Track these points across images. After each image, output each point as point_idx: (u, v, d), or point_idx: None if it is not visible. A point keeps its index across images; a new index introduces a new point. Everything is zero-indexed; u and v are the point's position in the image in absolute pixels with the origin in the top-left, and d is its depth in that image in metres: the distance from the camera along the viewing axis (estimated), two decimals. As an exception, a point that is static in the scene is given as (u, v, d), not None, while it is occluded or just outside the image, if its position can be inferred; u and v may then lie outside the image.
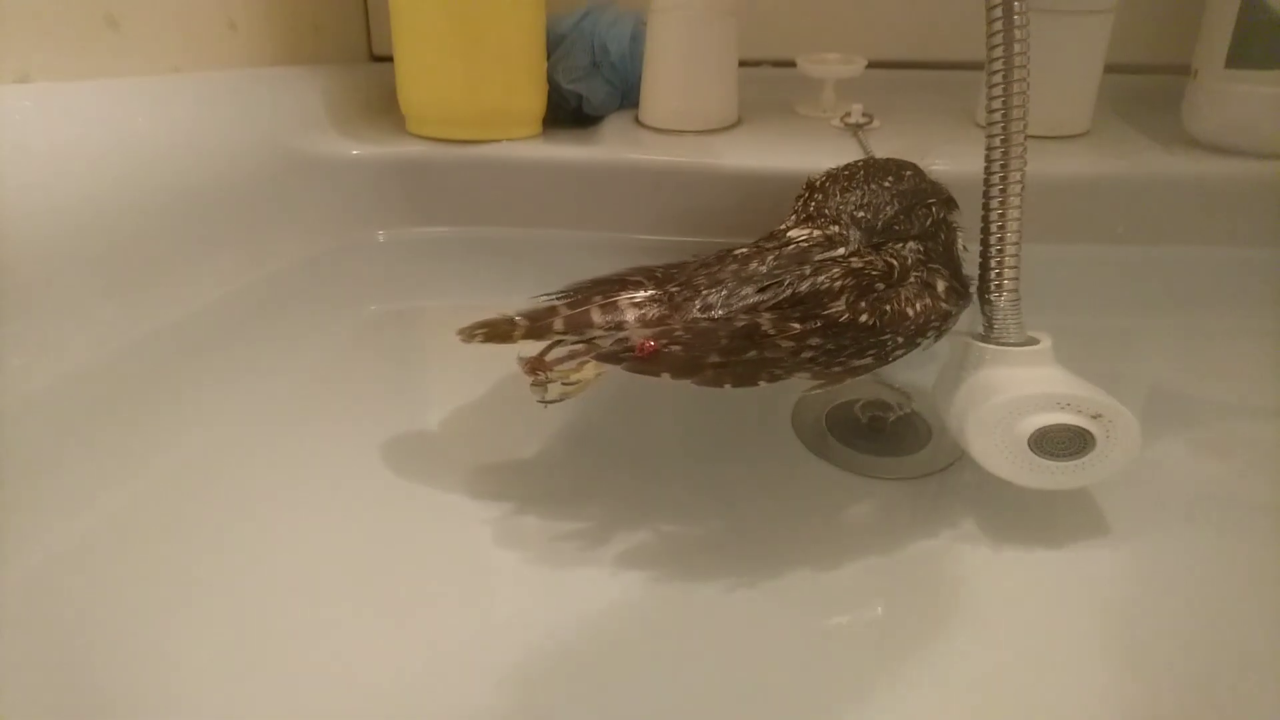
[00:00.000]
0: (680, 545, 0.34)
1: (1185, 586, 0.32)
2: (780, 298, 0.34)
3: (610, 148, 0.58)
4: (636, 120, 0.62)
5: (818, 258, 0.35)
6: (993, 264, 0.36)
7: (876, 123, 0.60)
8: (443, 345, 0.51)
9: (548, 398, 0.34)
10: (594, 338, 0.33)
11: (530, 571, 0.33)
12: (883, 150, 0.54)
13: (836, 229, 0.37)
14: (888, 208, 0.38)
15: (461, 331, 0.34)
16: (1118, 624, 0.31)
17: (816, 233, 0.37)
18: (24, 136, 0.42)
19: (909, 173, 0.40)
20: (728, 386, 0.32)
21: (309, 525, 0.35)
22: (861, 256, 0.36)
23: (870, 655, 0.29)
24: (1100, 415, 0.32)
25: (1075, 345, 0.48)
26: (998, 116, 0.37)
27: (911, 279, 0.36)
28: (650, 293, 0.34)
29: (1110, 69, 0.56)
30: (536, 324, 0.33)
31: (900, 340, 0.34)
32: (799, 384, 0.34)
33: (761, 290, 0.34)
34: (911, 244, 0.37)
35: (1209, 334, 0.49)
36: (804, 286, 0.34)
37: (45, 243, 0.41)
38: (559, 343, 0.33)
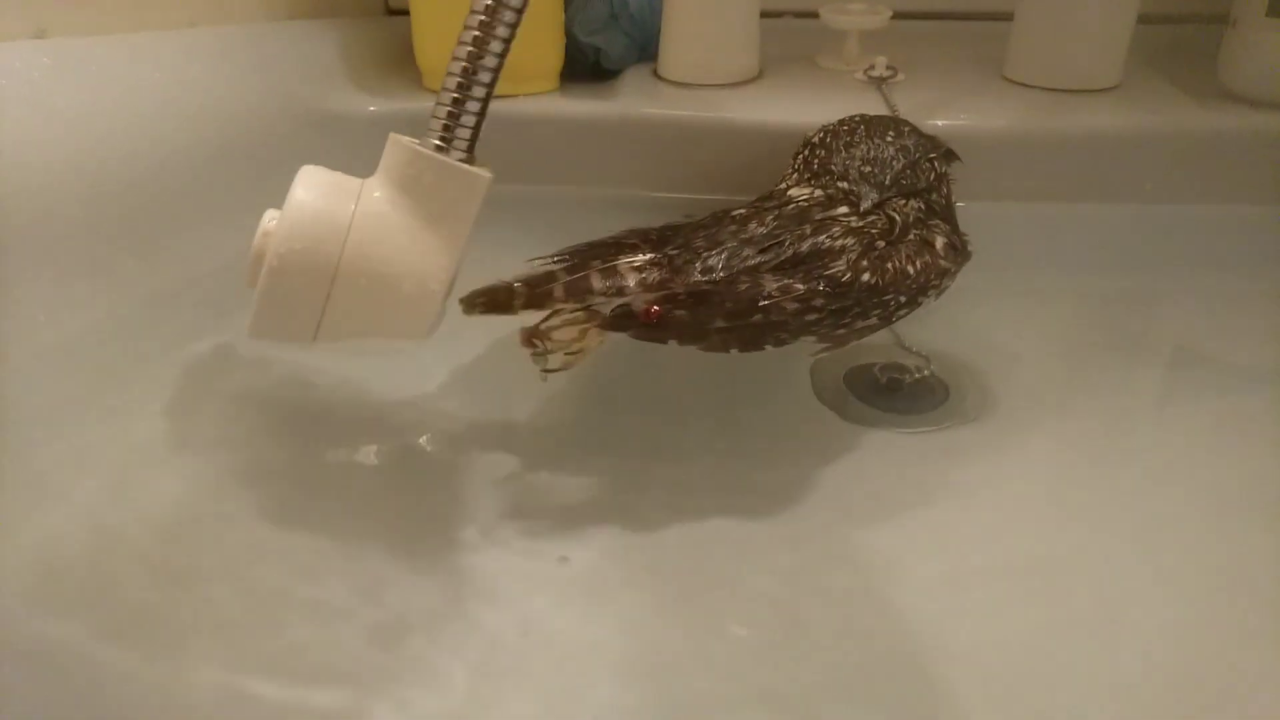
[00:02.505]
0: (697, 501, 0.34)
1: (1201, 548, 0.32)
2: (782, 258, 0.33)
3: (628, 102, 0.57)
4: (655, 74, 0.61)
5: (818, 216, 0.35)
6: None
7: (901, 76, 0.58)
8: (455, 300, 0.51)
9: (549, 367, 0.34)
10: (595, 304, 0.32)
11: (532, 538, 0.33)
12: (906, 103, 0.53)
13: (845, 185, 0.37)
14: (894, 162, 0.37)
15: (463, 301, 0.33)
16: (1131, 582, 0.31)
17: (818, 192, 0.37)
18: (41, 92, 0.42)
19: (906, 128, 0.40)
20: (734, 351, 0.32)
21: (319, 489, 0.35)
22: (862, 215, 0.35)
23: (885, 606, 0.30)
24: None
25: (1099, 305, 0.48)
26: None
27: (911, 236, 0.35)
28: (649, 256, 0.34)
29: (1143, 19, 0.54)
30: (536, 291, 0.33)
31: (903, 299, 0.34)
32: (807, 347, 0.34)
33: (762, 251, 0.34)
34: (914, 200, 0.36)
35: (1238, 297, 0.48)
36: (805, 246, 0.34)
37: (64, 198, 0.42)
38: (558, 311, 0.33)
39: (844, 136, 0.39)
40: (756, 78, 0.60)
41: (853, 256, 0.33)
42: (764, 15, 0.59)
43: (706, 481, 0.35)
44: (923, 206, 0.37)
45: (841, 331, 0.34)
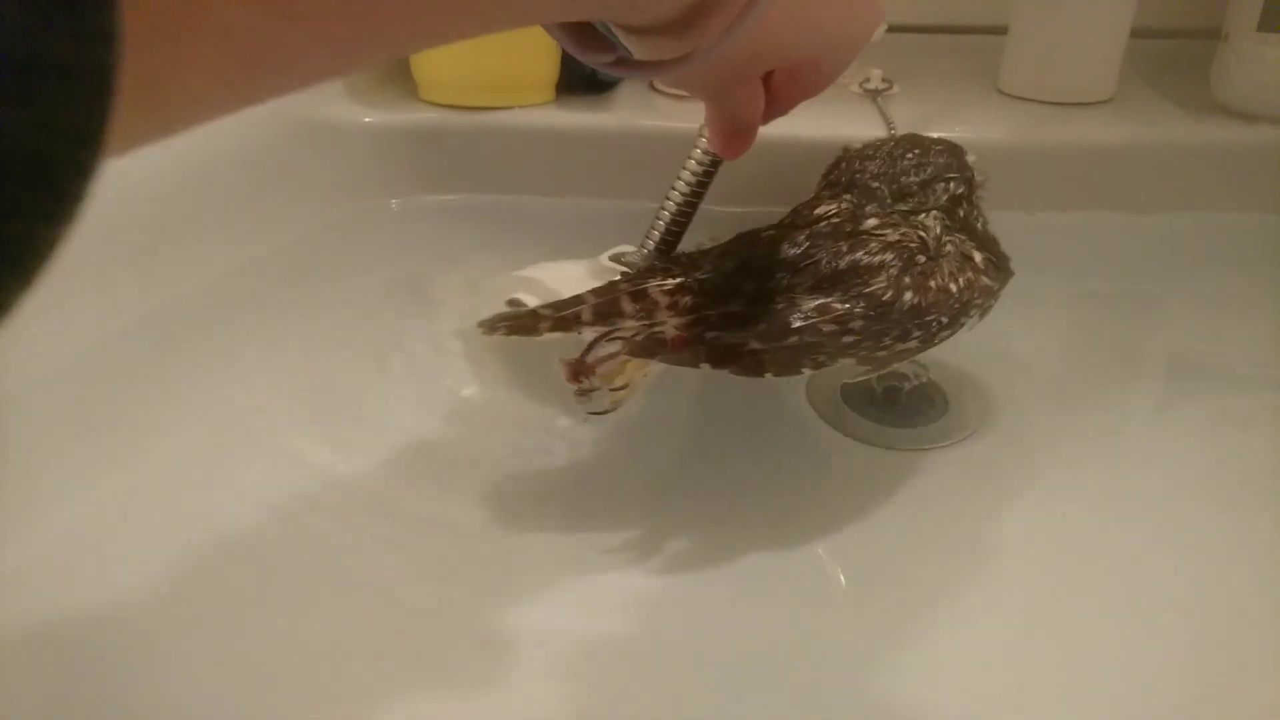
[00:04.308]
0: (689, 514, 0.34)
1: (1202, 554, 0.32)
2: (818, 277, 0.32)
3: (624, 114, 0.57)
4: (651, 86, 0.61)
5: (848, 230, 0.34)
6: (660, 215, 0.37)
7: (896, 89, 0.58)
8: (457, 313, 0.51)
9: (594, 409, 0.32)
10: (624, 330, 0.31)
11: (536, 540, 0.33)
12: (901, 116, 0.53)
13: (849, 197, 0.36)
14: (903, 177, 0.36)
15: (483, 324, 0.32)
16: (1132, 592, 0.30)
17: (845, 205, 0.36)
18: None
19: (939, 148, 0.39)
20: (769, 375, 0.31)
21: (325, 498, 0.35)
22: (897, 228, 0.34)
23: (883, 622, 0.29)
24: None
25: (1096, 313, 0.48)
26: None
27: (948, 249, 0.34)
28: (679, 280, 0.33)
29: (1136, 33, 0.55)
30: (562, 315, 0.31)
31: (945, 320, 0.32)
32: (844, 368, 0.33)
33: (796, 272, 0.32)
34: (934, 213, 0.36)
35: (1233, 303, 0.49)
36: (842, 263, 0.32)
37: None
38: (599, 340, 0.31)
39: (867, 151, 0.38)
40: (752, 90, 0.60)
41: (893, 273, 0.32)
42: (759, 28, 0.59)
43: (702, 512, 0.34)
44: (944, 221, 0.35)
45: (881, 354, 0.32)
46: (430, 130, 0.58)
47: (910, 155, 0.37)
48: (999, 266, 0.35)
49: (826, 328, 0.31)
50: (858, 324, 0.31)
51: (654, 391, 0.42)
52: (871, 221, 0.34)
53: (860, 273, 0.32)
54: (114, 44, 0.10)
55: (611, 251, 0.39)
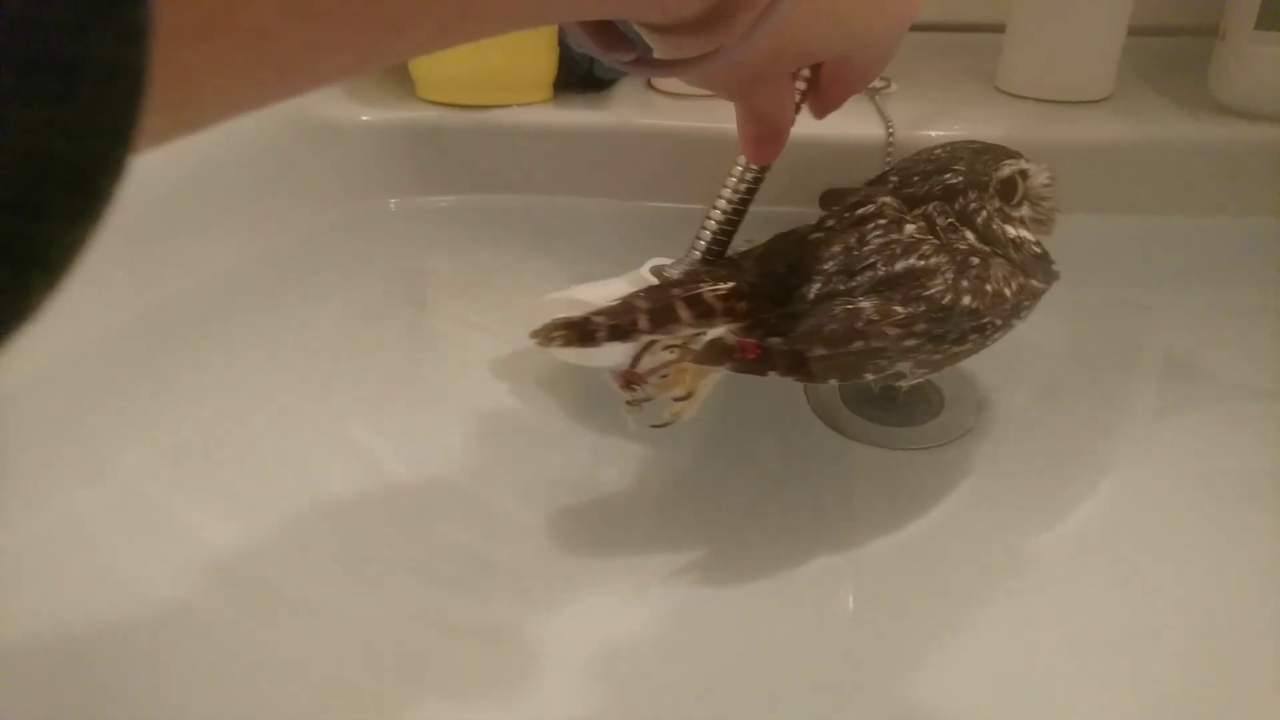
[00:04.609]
0: (689, 519, 0.34)
1: (1199, 556, 0.32)
2: (875, 280, 0.32)
3: (622, 112, 0.57)
4: (649, 84, 0.61)
5: (893, 236, 0.33)
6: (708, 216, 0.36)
7: (894, 87, 0.58)
8: (455, 313, 0.51)
9: (659, 421, 0.31)
10: (684, 336, 0.30)
11: (544, 539, 0.33)
12: (900, 114, 0.53)
13: (885, 197, 0.36)
14: (914, 171, 0.36)
15: (537, 334, 0.31)
16: (1130, 593, 0.31)
17: (887, 207, 0.35)
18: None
19: (974, 147, 0.38)
20: (834, 382, 0.30)
21: (321, 497, 0.35)
22: (942, 234, 0.33)
23: (882, 625, 0.30)
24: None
25: (1092, 316, 0.48)
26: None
27: (999, 254, 0.33)
28: (731, 285, 0.32)
29: (1134, 31, 0.55)
30: (618, 323, 0.30)
31: (999, 323, 0.32)
32: (904, 374, 0.32)
33: (852, 275, 0.32)
34: (934, 204, 0.35)
35: (1231, 303, 0.49)
36: (898, 267, 0.32)
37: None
38: (649, 348, 0.31)
39: (916, 155, 0.38)
40: (750, 88, 0.60)
41: (949, 276, 0.32)
42: (757, 26, 0.59)
43: (703, 515, 0.34)
44: (945, 211, 0.35)
45: (938, 357, 0.32)
46: (428, 128, 0.58)
47: (938, 151, 0.37)
48: (1046, 271, 0.35)
49: (891, 331, 0.30)
50: (920, 327, 0.31)
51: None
52: (910, 227, 0.33)
53: (917, 276, 0.32)
54: (147, 42, 0.10)
55: (651, 264, 0.39)
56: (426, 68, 0.58)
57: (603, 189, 0.57)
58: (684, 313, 0.30)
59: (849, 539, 0.33)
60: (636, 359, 0.31)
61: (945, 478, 0.36)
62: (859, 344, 0.30)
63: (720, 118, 0.55)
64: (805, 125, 0.53)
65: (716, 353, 0.30)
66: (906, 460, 0.37)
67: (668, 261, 0.38)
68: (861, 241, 0.33)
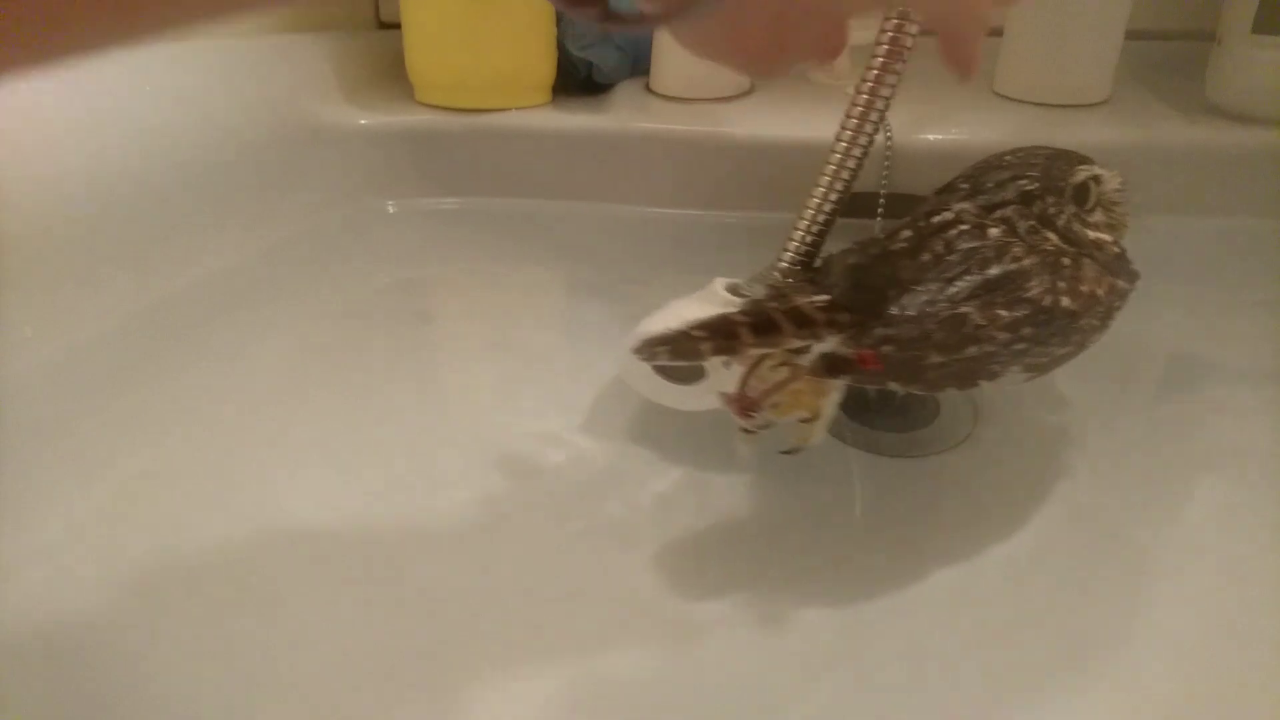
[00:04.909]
0: (680, 520, 0.34)
1: (1202, 544, 0.32)
2: (973, 286, 0.31)
3: (620, 116, 0.57)
4: (647, 88, 0.61)
5: (980, 242, 0.32)
6: (795, 228, 0.36)
7: (891, 91, 0.58)
8: (453, 316, 0.51)
9: (786, 448, 0.30)
10: (792, 350, 0.29)
11: (541, 545, 0.33)
12: (898, 118, 0.53)
13: (941, 199, 0.35)
14: (986, 177, 0.36)
15: (639, 350, 0.29)
16: (1136, 583, 0.31)
17: (966, 211, 0.34)
18: (32, 106, 0.42)
19: (1045, 152, 0.37)
20: (950, 390, 0.30)
21: (317, 497, 0.35)
22: (1025, 238, 0.33)
23: (878, 632, 0.30)
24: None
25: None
26: (862, 99, 0.35)
27: (1085, 255, 0.33)
28: (828, 296, 0.31)
29: (1131, 35, 0.55)
30: (721, 338, 0.29)
31: (1095, 323, 0.32)
32: (1011, 380, 0.32)
33: (949, 281, 0.31)
34: (1012, 207, 0.34)
35: (1229, 310, 0.49)
36: (993, 270, 0.31)
37: (53, 213, 0.41)
38: (756, 366, 0.30)
39: (983, 162, 0.37)
40: (748, 92, 0.60)
41: (1045, 278, 0.31)
42: (755, 30, 0.59)
43: (704, 522, 0.34)
44: (1024, 214, 0.34)
45: (1044, 360, 0.32)
46: (426, 132, 0.58)
47: (1008, 158, 0.37)
48: (1129, 272, 0.35)
49: (1001, 336, 0.30)
50: (1026, 330, 0.30)
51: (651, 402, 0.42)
52: (995, 231, 0.33)
53: (1013, 279, 0.31)
54: None
55: (725, 283, 0.37)
56: (425, 71, 0.58)
57: (601, 193, 0.58)
58: (786, 325, 0.29)
59: (846, 544, 0.33)
60: (744, 382, 0.30)
61: (941, 484, 0.36)
62: (973, 349, 0.30)
63: (719, 121, 0.56)
64: (802, 128, 0.54)
65: (834, 366, 0.29)
66: (902, 468, 0.37)
67: (739, 281, 0.37)
68: (949, 249, 0.32)
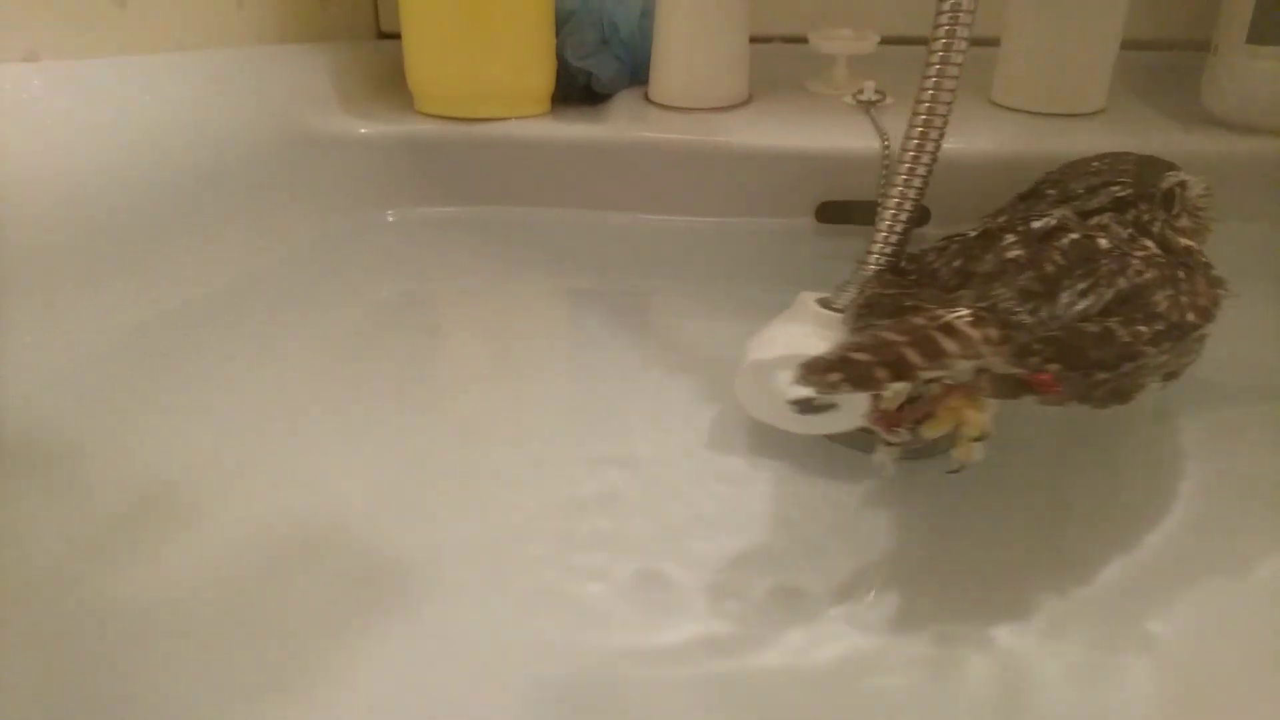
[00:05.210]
0: (679, 522, 0.34)
1: (1200, 559, 0.32)
2: (1104, 301, 0.31)
3: (619, 126, 0.57)
4: (646, 98, 0.61)
5: (1090, 256, 0.32)
6: (876, 235, 0.36)
7: (889, 100, 0.59)
8: (455, 327, 0.51)
9: (955, 467, 0.30)
10: (948, 374, 0.29)
11: (543, 545, 0.33)
12: (895, 127, 0.53)
13: (1030, 205, 0.35)
14: (1077, 184, 0.36)
15: (812, 379, 0.28)
16: (1131, 600, 0.31)
17: (1068, 219, 0.34)
18: (32, 116, 0.42)
19: (1131, 158, 0.38)
20: (1114, 407, 0.30)
21: (319, 509, 0.35)
22: (1129, 247, 0.33)
23: (872, 636, 0.29)
24: None
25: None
26: (927, 94, 0.35)
27: (1186, 264, 0.33)
28: (968, 311, 0.30)
29: (1127, 45, 0.55)
30: (893, 363, 0.28)
31: (1207, 332, 0.32)
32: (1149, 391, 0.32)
33: (1082, 295, 0.31)
34: (1108, 214, 0.35)
35: (1224, 312, 0.49)
36: (1122, 284, 0.31)
37: (53, 223, 0.41)
38: (928, 383, 0.29)
39: (1065, 167, 0.38)
40: (746, 102, 0.61)
41: (1169, 292, 0.31)
42: (753, 40, 0.59)
43: (703, 531, 0.34)
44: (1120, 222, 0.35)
45: (1178, 370, 0.32)
46: (426, 142, 0.58)
47: (1095, 164, 0.37)
48: (1221, 281, 0.35)
49: (1149, 350, 0.30)
50: (1166, 344, 0.30)
51: (648, 385, 0.42)
52: (1103, 242, 0.33)
53: (1141, 294, 0.31)
54: None
55: (815, 297, 0.37)
56: (425, 81, 0.59)
57: (600, 202, 0.58)
58: (950, 346, 0.28)
59: (826, 545, 0.33)
60: (903, 404, 0.29)
61: (935, 487, 0.36)
62: (1128, 365, 0.30)
63: (717, 131, 0.56)
64: (801, 138, 0.54)
65: (1011, 387, 0.29)
66: (905, 470, 0.37)
67: (825, 294, 0.37)
68: (1067, 259, 0.32)
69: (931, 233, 0.53)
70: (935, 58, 0.36)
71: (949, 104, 0.37)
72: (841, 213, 0.55)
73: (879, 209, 0.37)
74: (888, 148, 0.53)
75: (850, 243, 0.55)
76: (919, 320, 0.29)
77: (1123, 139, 0.53)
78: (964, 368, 0.28)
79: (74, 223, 0.42)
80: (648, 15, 0.60)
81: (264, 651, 0.29)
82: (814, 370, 0.27)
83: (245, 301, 0.49)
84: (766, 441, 0.38)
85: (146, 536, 0.33)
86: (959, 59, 0.36)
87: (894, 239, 0.37)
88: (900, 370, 0.27)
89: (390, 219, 0.59)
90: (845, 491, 0.36)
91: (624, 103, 0.61)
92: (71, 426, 0.38)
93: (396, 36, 0.59)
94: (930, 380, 0.28)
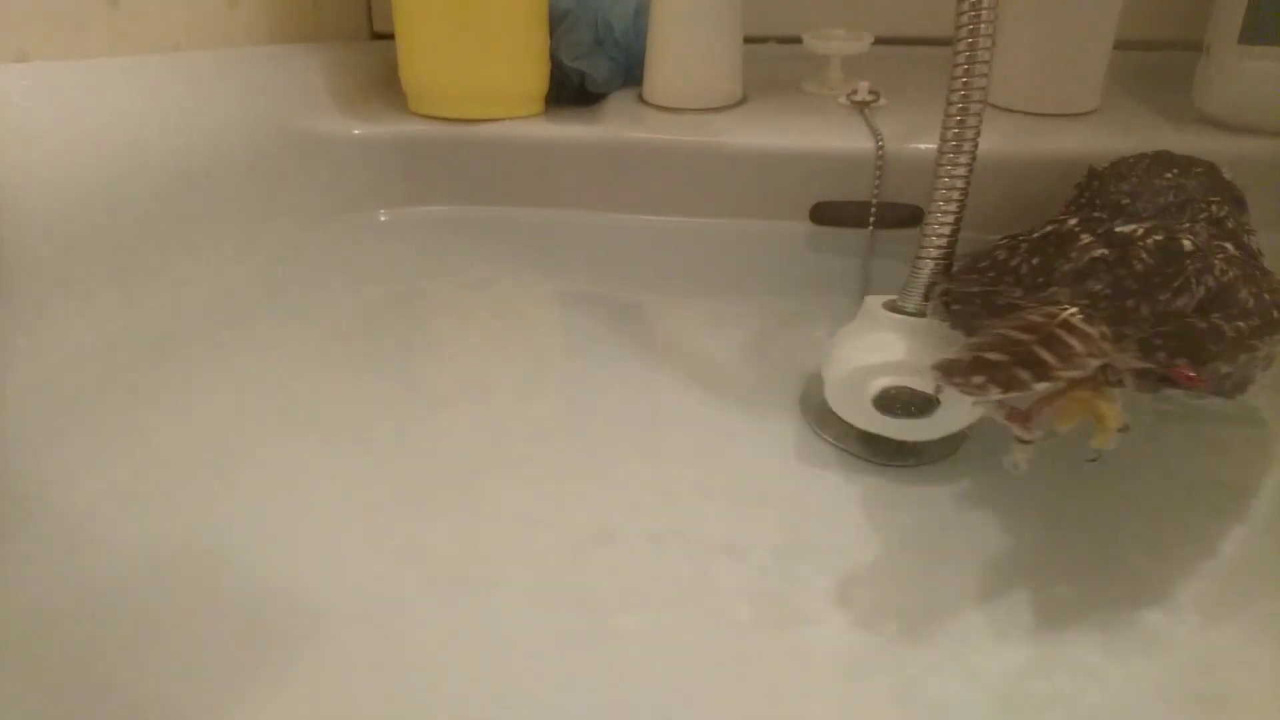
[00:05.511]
0: (679, 520, 0.34)
1: (1190, 568, 0.32)
2: (1196, 299, 0.31)
3: (613, 126, 0.57)
4: (640, 98, 0.61)
5: (1175, 256, 0.33)
6: (924, 237, 0.36)
7: (883, 100, 0.59)
8: (445, 323, 0.51)
9: (1093, 456, 0.30)
10: (1080, 367, 0.29)
11: (532, 557, 0.33)
12: (889, 127, 0.54)
13: (1101, 216, 0.35)
14: (1159, 197, 0.36)
15: (956, 383, 0.29)
16: (1124, 608, 0.31)
17: (1153, 222, 0.35)
18: (22, 116, 0.42)
19: (1198, 169, 0.38)
20: (1237, 397, 0.30)
21: (305, 509, 0.35)
22: (1211, 242, 0.33)
23: (869, 640, 0.29)
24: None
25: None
26: (957, 96, 0.35)
27: (1258, 263, 0.34)
28: (1074, 309, 0.30)
29: (1120, 45, 0.55)
30: (1031, 363, 0.28)
31: None
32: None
33: (1176, 294, 0.31)
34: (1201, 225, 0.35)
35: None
36: (1211, 282, 0.32)
37: (44, 224, 0.41)
38: (1071, 383, 0.29)
39: (1122, 168, 0.38)
40: (740, 102, 0.61)
41: (1252, 289, 0.32)
42: (748, 41, 0.60)
43: (699, 539, 0.34)
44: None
45: (1271, 360, 0.32)
46: (420, 142, 0.58)
47: (1169, 175, 0.37)
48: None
49: (1257, 343, 0.31)
50: (1266, 337, 0.31)
51: (649, 388, 0.41)
52: (1188, 243, 0.33)
53: (1228, 291, 0.32)
54: None
55: (883, 300, 0.37)
56: (419, 82, 0.59)
57: (594, 201, 0.58)
58: (1078, 345, 0.29)
59: (826, 547, 0.33)
60: (1040, 401, 0.30)
61: (928, 493, 0.36)
62: (1244, 357, 0.30)
63: (711, 131, 0.56)
64: (794, 138, 0.54)
65: (1152, 381, 0.29)
66: (892, 475, 0.37)
67: (891, 296, 0.37)
68: (1155, 260, 0.32)
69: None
70: (963, 44, 0.36)
71: (984, 88, 0.37)
72: (836, 213, 0.55)
73: (927, 210, 0.37)
74: (882, 148, 0.53)
75: (845, 243, 0.55)
76: (1036, 318, 0.29)
77: (1117, 139, 0.53)
78: (1092, 365, 0.29)
79: (66, 224, 0.42)
80: (642, 16, 0.60)
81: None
82: (954, 373, 0.28)
83: (238, 299, 0.49)
84: (764, 448, 0.38)
85: (128, 529, 0.33)
86: (988, 42, 0.36)
87: (944, 238, 0.36)
88: (1039, 370, 0.28)
89: (383, 218, 0.59)
90: (842, 492, 0.36)
91: (618, 103, 0.61)
92: (67, 418, 0.37)
93: (390, 37, 0.59)
94: (1062, 377, 0.28)
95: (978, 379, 0.28)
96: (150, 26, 0.51)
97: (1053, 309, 0.30)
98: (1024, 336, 0.29)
